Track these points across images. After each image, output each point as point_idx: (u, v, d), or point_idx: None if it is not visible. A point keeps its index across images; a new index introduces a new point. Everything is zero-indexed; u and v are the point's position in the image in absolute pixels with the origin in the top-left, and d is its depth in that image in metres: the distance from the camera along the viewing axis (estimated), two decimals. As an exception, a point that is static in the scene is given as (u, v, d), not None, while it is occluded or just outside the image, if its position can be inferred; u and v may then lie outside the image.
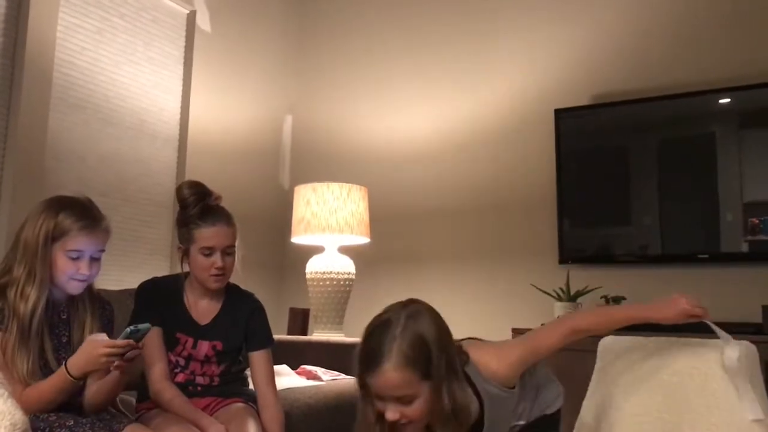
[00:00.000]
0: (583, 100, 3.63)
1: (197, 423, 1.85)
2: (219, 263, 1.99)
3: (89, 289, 1.89)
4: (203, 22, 3.85)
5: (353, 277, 3.53)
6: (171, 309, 2.04)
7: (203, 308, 2.07)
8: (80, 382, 1.71)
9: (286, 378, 2.66)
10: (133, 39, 3.47)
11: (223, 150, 3.94)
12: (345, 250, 3.60)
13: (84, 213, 1.83)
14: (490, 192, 3.81)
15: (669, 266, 3.35)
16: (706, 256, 3.30)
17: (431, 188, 4.01)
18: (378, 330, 1.53)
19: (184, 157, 3.71)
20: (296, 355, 3.04)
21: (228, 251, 2.02)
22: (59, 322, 1.83)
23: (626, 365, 1.90)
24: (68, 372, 1.68)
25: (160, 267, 3.51)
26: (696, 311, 1.71)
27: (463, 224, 3.88)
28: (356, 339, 3.17)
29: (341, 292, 3.48)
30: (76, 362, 1.68)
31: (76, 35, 3.19)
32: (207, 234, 1.99)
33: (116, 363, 1.67)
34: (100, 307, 1.92)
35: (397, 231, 4.02)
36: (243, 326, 2.08)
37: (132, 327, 1.67)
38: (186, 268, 2.06)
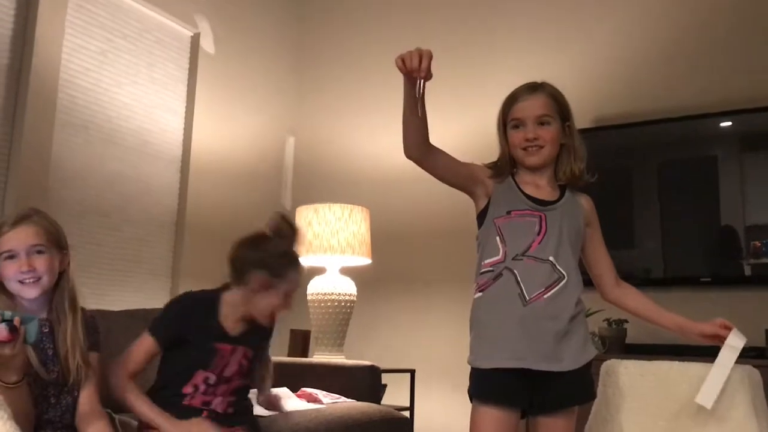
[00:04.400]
0: (585, 123, 3.62)
1: (161, 426, 1.85)
2: None
3: (70, 300, 1.85)
4: (207, 44, 3.88)
5: (354, 298, 3.52)
6: (204, 323, 2.00)
7: (233, 322, 2.05)
8: (16, 385, 1.65)
9: (287, 401, 2.64)
10: (137, 60, 3.49)
11: (225, 171, 3.95)
12: (346, 271, 3.59)
13: (13, 215, 1.82)
14: (492, 214, 3.80)
15: (672, 289, 3.33)
16: (708, 279, 3.28)
17: (433, 209, 4.00)
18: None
19: (186, 178, 3.72)
20: (297, 378, 3.02)
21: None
22: (42, 337, 1.81)
23: (629, 389, 1.89)
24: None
25: (161, 287, 3.51)
26: (729, 325, 1.81)
27: (465, 245, 3.81)
28: (357, 361, 3.17)
29: (342, 314, 3.46)
30: None
31: (81, 56, 3.21)
32: None
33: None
34: (83, 318, 1.88)
35: (398, 252, 4.01)
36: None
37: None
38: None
